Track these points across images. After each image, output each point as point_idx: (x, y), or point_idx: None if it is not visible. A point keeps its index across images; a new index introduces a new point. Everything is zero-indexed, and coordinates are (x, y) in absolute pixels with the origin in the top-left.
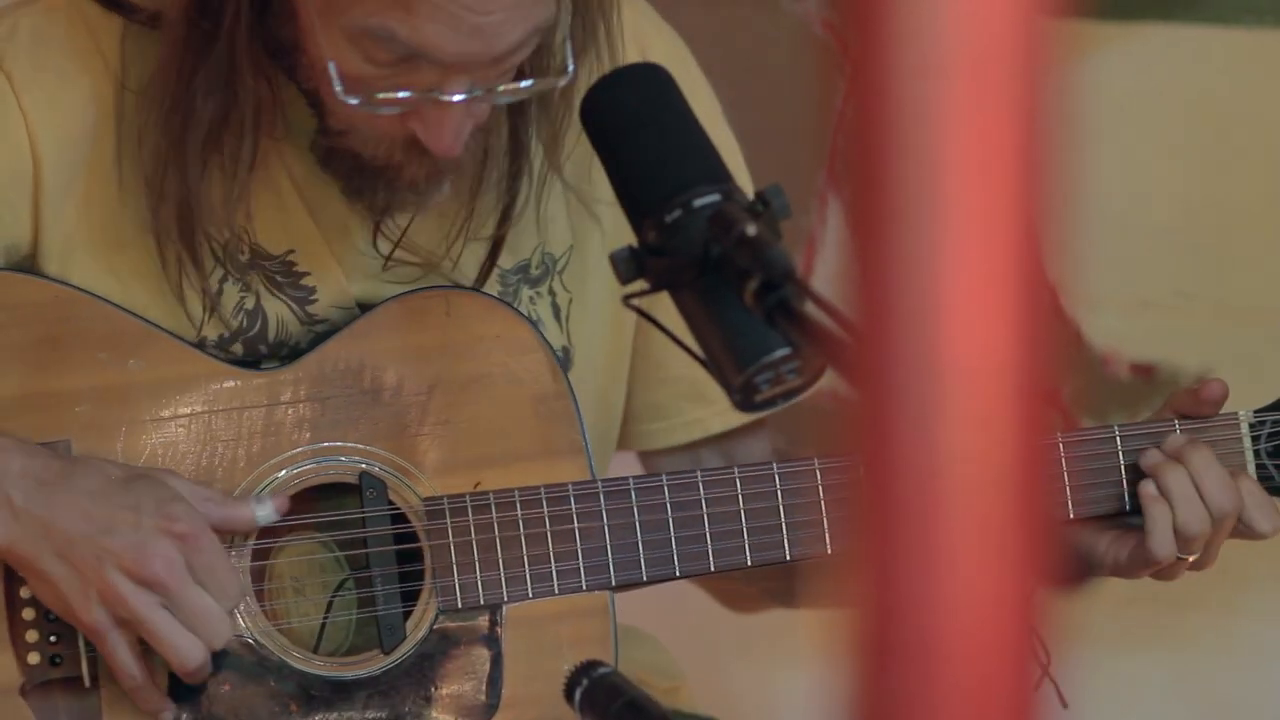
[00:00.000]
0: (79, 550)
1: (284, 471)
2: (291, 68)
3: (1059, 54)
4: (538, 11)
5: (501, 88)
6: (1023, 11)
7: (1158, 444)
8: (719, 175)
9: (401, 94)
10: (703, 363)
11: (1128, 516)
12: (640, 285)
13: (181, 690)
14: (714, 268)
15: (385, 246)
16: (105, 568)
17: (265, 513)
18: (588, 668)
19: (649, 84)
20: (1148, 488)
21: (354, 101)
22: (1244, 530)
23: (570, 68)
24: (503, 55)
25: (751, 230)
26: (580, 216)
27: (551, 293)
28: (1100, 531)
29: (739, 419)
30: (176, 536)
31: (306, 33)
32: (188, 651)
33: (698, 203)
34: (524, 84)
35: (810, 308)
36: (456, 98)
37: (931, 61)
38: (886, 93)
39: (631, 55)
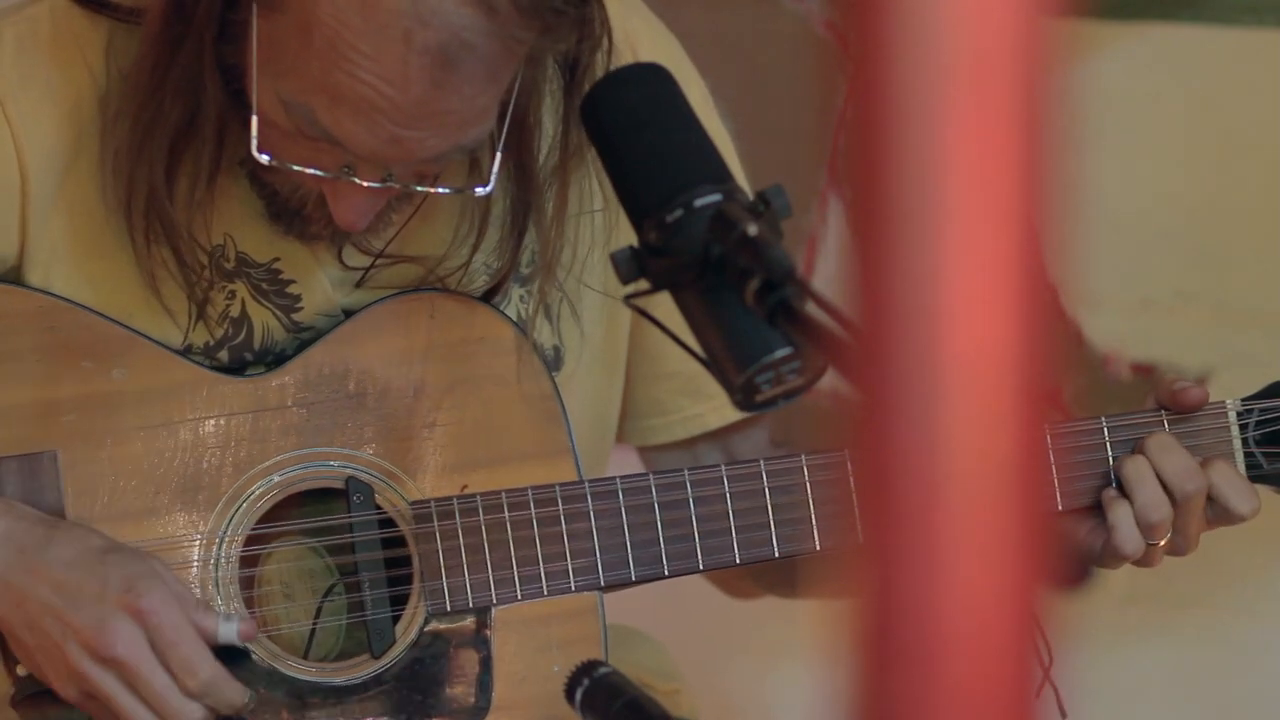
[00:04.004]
0: (45, 624)
1: (276, 476)
2: (238, 91)
3: (1059, 54)
4: (463, 134)
5: (419, 188)
6: (1023, 11)
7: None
8: (720, 175)
9: (313, 171)
10: (704, 362)
11: None
12: (641, 285)
13: None
14: (715, 268)
15: (355, 259)
16: (67, 644)
17: (229, 632)
18: (588, 668)
19: (650, 83)
20: (1108, 490)
21: (266, 159)
22: (1223, 514)
23: (491, 184)
24: (421, 161)
25: (752, 230)
26: (570, 215)
27: (542, 291)
28: (1080, 520)
29: (737, 414)
30: (137, 613)
31: (248, 73)
32: None
33: (699, 202)
34: (441, 190)
35: (811, 308)
36: (368, 184)
37: (932, 61)
38: (887, 92)
39: (621, 52)
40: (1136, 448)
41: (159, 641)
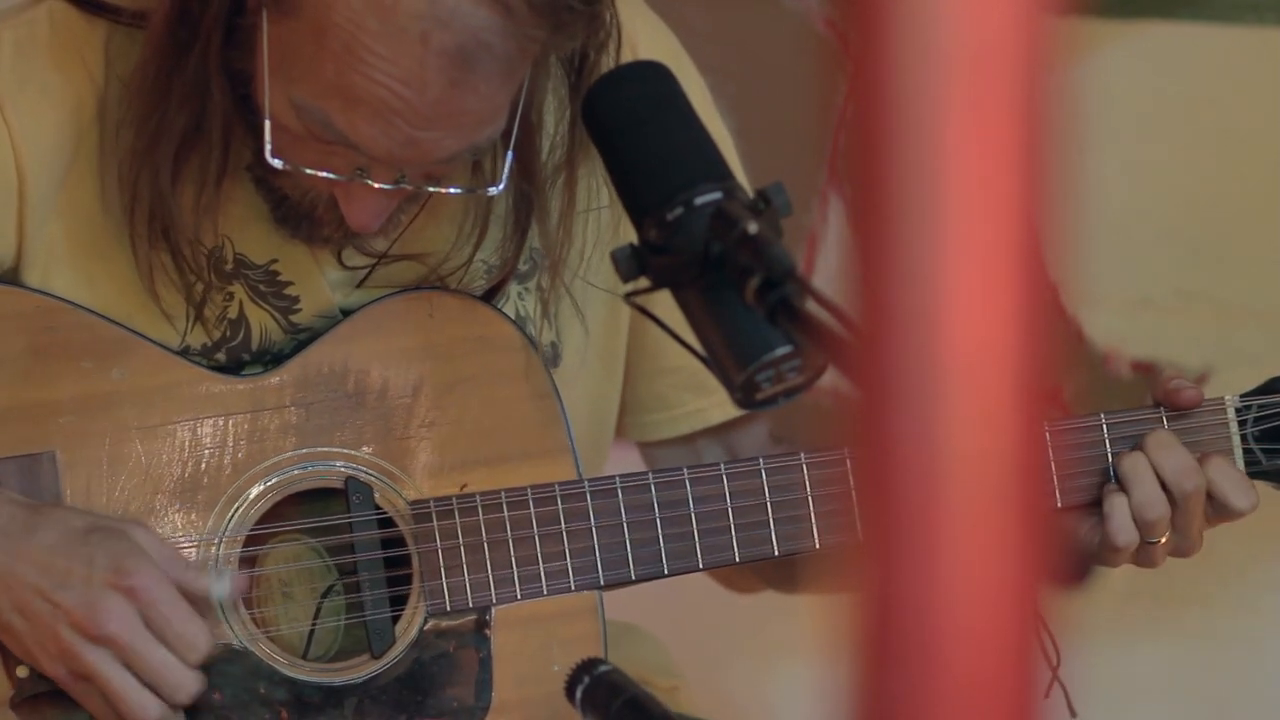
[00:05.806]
0: (34, 606)
1: (275, 476)
2: (245, 96)
3: (1060, 52)
4: (478, 133)
5: (430, 189)
6: (1024, 10)
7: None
8: (721, 173)
9: (326, 174)
10: (704, 360)
11: None
12: (641, 283)
13: None
14: (715, 266)
15: (354, 259)
16: (58, 625)
17: (221, 589)
18: (588, 666)
19: (650, 81)
20: (1109, 485)
21: (279, 164)
22: (1222, 510)
23: (502, 183)
24: (434, 162)
25: (753, 228)
26: (577, 213)
27: (540, 288)
28: (1080, 517)
29: (739, 409)
30: (127, 591)
31: (258, 78)
32: (142, 709)
33: (699, 200)
34: (453, 190)
35: (811, 306)
36: (381, 185)
37: (933, 60)
38: (888, 91)
39: (622, 51)
40: (1137, 445)
41: (153, 618)
